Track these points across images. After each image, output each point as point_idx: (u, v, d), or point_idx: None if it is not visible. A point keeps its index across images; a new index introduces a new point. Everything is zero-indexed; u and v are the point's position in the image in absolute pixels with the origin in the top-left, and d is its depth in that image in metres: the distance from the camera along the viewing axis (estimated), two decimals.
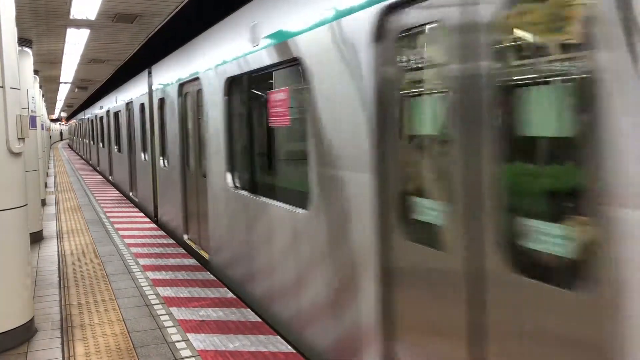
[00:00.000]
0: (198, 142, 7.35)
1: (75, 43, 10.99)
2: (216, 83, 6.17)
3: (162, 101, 9.30)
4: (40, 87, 18.01)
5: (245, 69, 5.30)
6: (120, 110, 14.63)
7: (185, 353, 4.27)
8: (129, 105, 13.05)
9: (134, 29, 9.48)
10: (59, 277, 6.53)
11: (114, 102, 15.92)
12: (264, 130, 5.56)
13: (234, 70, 5.61)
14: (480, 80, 2.51)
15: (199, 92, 7.03)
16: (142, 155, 11.54)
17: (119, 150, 15.44)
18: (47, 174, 20.19)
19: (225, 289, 5.88)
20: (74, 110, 45.94)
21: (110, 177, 18.17)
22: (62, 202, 13.28)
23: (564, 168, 2.35)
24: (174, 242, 8.32)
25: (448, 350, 2.81)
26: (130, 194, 13.61)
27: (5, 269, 4.46)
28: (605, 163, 1.95)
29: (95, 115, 22.29)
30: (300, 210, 4.28)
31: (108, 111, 17.59)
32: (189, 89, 7.69)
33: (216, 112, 6.19)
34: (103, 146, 20.11)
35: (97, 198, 13.96)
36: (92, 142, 25.90)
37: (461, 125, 2.64)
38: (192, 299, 5.58)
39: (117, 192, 15.29)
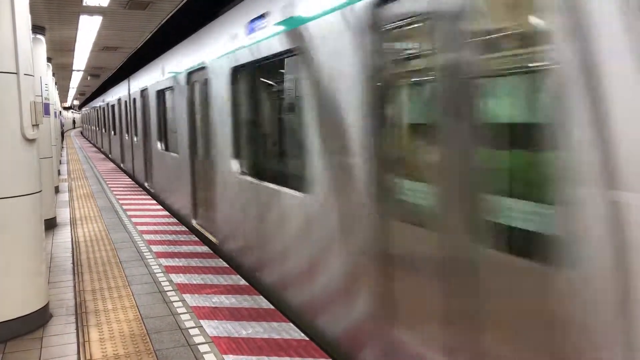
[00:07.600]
0: (156, 127, 11.09)
1: (88, 30, 11.00)
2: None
3: (134, 100, 14.07)
4: (53, 74, 18.05)
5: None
6: (114, 104, 19.75)
7: (199, 339, 4.29)
8: (119, 100, 17.98)
9: (146, 15, 9.46)
10: (73, 263, 6.59)
11: (110, 97, 21.08)
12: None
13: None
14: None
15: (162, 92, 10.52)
16: (126, 135, 16.64)
17: (114, 133, 20.79)
18: (60, 161, 20.34)
19: (238, 276, 5.90)
20: (86, 98, 46.15)
21: (109, 155, 23.61)
22: (75, 190, 13.37)
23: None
24: (185, 228, 8.38)
25: None
26: (122, 165, 18.54)
27: (20, 255, 4.50)
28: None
29: (100, 106, 27.62)
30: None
31: (108, 103, 22.22)
32: (147, 92, 11.75)
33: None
34: (105, 131, 25.70)
35: (109, 185, 14.05)
36: (98, 129, 31.42)
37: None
38: (205, 285, 5.60)
39: (130, 179, 15.41)
